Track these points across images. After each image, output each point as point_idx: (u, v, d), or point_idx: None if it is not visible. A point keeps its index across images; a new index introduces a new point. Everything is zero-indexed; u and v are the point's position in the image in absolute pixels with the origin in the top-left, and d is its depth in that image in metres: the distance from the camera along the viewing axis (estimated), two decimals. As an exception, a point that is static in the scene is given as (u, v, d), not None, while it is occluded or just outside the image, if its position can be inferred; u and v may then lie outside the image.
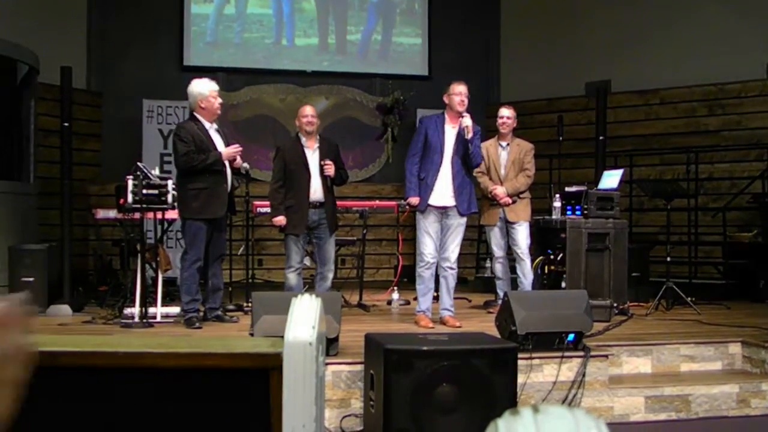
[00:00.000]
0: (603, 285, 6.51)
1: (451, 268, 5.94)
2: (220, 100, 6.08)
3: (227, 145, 6.12)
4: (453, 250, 5.91)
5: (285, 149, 6.34)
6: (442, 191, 5.91)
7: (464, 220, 5.96)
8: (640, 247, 8.08)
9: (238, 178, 6.26)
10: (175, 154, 6.01)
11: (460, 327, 5.81)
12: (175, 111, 9.56)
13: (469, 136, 5.81)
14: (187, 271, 5.97)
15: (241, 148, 6.04)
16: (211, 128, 6.07)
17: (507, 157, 6.95)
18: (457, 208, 5.90)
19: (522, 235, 6.79)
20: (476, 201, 6.16)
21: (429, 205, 5.92)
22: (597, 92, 8.30)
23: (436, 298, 6.27)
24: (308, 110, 6.36)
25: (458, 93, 5.94)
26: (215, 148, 5.98)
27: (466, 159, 5.93)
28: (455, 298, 7.85)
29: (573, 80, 10.25)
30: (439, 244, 5.97)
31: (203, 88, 6.05)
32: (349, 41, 10.76)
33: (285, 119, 10.30)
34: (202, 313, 6.16)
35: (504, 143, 6.99)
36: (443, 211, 5.94)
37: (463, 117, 5.88)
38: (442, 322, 6.00)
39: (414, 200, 5.99)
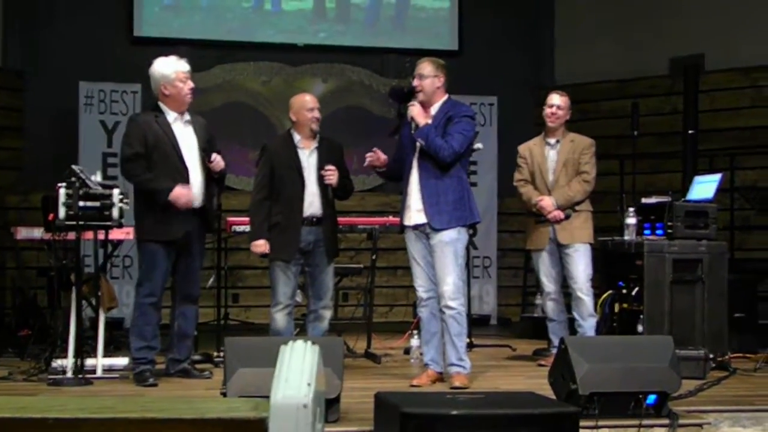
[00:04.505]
0: (694, 329, 6.47)
1: (448, 308, 5.90)
2: (190, 84, 6.14)
3: (205, 141, 6.15)
4: (444, 282, 5.90)
5: (273, 150, 6.38)
6: (414, 205, 6.01)
7: (449, 236, 5.91)
8: (745, 279, 8.04)
9: (214, 185, 6.29)
10: (119, 157, 6.11)
11: (467, 388, 5.75)
12: (123, 97, 9.60)
13: (421, 124, 5.90)
14: (139, 309, 6.02)
15: (190, 200, 6.02)
16: (178, 122, 6.10)
17: (557, 158, 6.95)
18: (430, 224, 5.93)
19: (579, 264, 6.77)
20: (475, 210, 6.08)
21: (405, 227, 6.07)
22: (685, 71, 8.30)
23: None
24: (311, 101, 6.40)
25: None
26: (178, 150, 6.00)
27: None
28: (491, 346, 7.90)
29: (653, 55, 10.25)
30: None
31: (167, 68, 6.09)
32: (353, 5, 10.81)
33: (268, 108, 10.35)
34: (162, 366, 6.17)
35: (552, 140, 7.00)
36: (421, 230, 5.99)
37: (411, 106, 5.99)
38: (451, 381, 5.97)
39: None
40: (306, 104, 6.36)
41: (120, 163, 6.14)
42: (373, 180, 10.37)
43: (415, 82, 6.04)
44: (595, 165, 6.95)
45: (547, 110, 6.98)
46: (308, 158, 6.29)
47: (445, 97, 6.07)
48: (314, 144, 6.33)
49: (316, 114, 6.33)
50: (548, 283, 6.94)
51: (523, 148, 7.12)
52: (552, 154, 6.99)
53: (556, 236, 6.86)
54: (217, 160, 6.11)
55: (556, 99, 6.98)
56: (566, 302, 7.02)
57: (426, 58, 6.14)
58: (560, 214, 6.82)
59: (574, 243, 6.81)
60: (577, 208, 6.87)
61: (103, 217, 5.94)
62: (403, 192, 6.11)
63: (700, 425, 4.93)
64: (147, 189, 5.98)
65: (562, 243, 6.84)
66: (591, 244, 6.89)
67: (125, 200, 6.01)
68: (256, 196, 6.34)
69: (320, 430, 2.26)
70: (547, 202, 6.84)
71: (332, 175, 6.23)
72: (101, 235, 6.36)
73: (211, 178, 6.20)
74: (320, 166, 6.25)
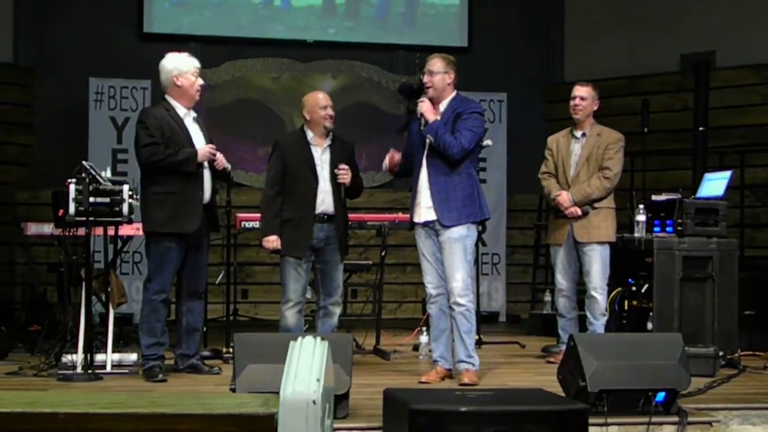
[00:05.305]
0: (704, 327, 6.48)
1: (458, 305, 5.89)
2: (200, 81, 6.20)
3: (208, 140, 6.20)
4: (453, 278, 5.89)
5: (286, 146, 6.39)
6: (423, 202, 6.01)
7: (459, 232, 5.90)
8: (755, 276, 8.02)
9: (218, 182, 6.33)
10: (136, 146, 6.13)
11: (476, 385, 5.75)
12: (132, 93, 9.63)
13: (430, 121, 5.91)
14: (149, 305, 6.05)
15: (214, 151, 6.12)
16: (188, 116, 6.16)
17: (581, 152, 6.87)
18: (439, 221, 5.93)
19: (594, 263, 6.71)
20: (485, 207, 6.06)
21: (415, 224, 6.06)
22: (696, 68, 8.27)
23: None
24: (324, 99, 6.40)
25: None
26: (191, 143, 6.04)
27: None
28: (500, 343, 7.90)
29: (663, 52, 10.23)
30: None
31: (181, 63, 6.14)
32: (363, 1, 10.81)
33: (278, 105, 10.36)
34: (171, 362, 6.20)
35: (579, 133, 6.91)
36: (431, 226, 5.99)
37: (421, 102, 6.01)
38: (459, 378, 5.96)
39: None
40: (319, 102, 6.36)
41: (139, 149, 6.07)
42: (382, 177, 10.37)
43: (425, 79, 6.04)
44: (620, 161, 6.80)
45: (571, 102, 6.91)
46: (321, 156, 6.31)
47: (454, 93, 6.07)
48: (327, 142, 6.34)
49: (330, 111, 6.33)
50: (562, 280, 6.89)
51: (551, 140, 7.05)
52: (576, 148, 6.89)
53: (574, 233, 6.82)
54: (221, 159, 6.16)
55: (578, 90, 6.89)
56: (579, 299, 6.99)
57: (436, 55, 6.13)
58: (577, 211, 6.74)
59: (591, 241, 6.73)
60: (596, 205, 6.73)
61: (113, 213, 5.96)
62: (412, 189, 6.11)
63: (709, 423, 4.92)
64: (174, 163, 5.98)
65: (579, 241, 6.76)
66: (611, 242, 6.77)
67: (135, 196, 6.04)
68: (268, 191, 6.34)
69: (329, 426, 2.27)
70: (564, 198, 6.76)
71: (346, 175, 6.24)
72: (111, 231, 6.37)
73: (216, 175, 6.24)
74: (333, 165, 6.28)
